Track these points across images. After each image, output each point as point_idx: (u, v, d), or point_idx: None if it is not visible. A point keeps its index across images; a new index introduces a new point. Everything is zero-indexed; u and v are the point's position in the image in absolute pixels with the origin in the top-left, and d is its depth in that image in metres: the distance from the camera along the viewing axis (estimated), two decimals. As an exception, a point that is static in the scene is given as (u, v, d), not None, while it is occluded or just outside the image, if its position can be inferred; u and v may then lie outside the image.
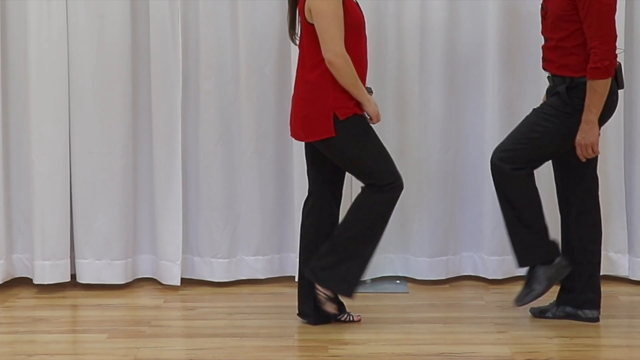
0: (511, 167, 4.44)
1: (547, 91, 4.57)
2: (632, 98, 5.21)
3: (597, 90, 4.29)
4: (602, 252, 5.16)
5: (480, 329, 4.53)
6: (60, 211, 5.21)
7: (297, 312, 4.61)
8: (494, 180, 4.53)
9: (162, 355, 4.23)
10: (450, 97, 5.25)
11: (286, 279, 5.34)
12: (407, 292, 5.17)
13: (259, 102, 5.22)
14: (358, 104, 4.35)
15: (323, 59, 4.25)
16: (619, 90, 4.46)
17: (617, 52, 4.35)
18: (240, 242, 5.32)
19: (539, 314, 4.68)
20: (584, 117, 4.34)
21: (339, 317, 4.60)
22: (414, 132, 5.25)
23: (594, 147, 4.36)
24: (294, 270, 5.25)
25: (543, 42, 4.53)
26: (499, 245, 5.22)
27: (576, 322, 4.57)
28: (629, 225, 5.28)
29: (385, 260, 5.36)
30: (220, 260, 5.29)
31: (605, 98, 4.31)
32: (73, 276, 5.30)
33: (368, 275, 5.29)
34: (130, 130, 5.23)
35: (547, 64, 4.51)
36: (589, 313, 4.59)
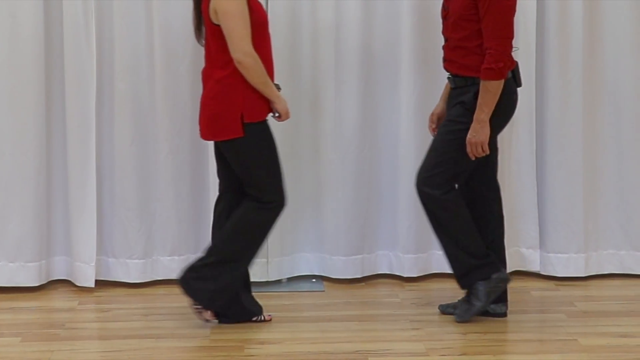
0: (440, 192, 4.47)
1: (451, 96, 4.59)
2: (544, 97, 5.30)
3: (489, 90, 4.35)
4: (514, 248, 5.29)
5: (396, 326, 4.57)
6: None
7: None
8: (424, 207, 4.54)
9: (76, 357, 4.20)
10: (365, 96, 5.28)
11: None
12: (323, 291, 5.19)
13: (174, 102, 5.20)
14: (268, 105, 4.37)
15: (232, 59, 4.26)
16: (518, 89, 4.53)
17: (512, 51, 4.42)
18: (156, 243, 5.29)
19: (448, 310, 4.73)
20: (475, 116, 4.39)
21: (253, 319, 4.61)
22: (329, 132, 5.27)
23: (483, 146, 4.40)
24: (210, 270, 5.26)
25: (443, 42, 4.58)
26: (414, 243, 5.28)
27: (488, 318, 4.64)
28: (540, 221, 5.37)
29: (301, 259, 5.39)
30: (136, 261, 5.26)
31: (497, 98, 4.36)
32: (-13, 278, 5.23)
33: (284, 274, 5.33)
34: (43, 131, 5.16)
35: (448, 64, 4.56)
36: (497, 308, 4.65)
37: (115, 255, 5.27)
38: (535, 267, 5.39)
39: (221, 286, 4.47)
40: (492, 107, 4.37)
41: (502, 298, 4.66)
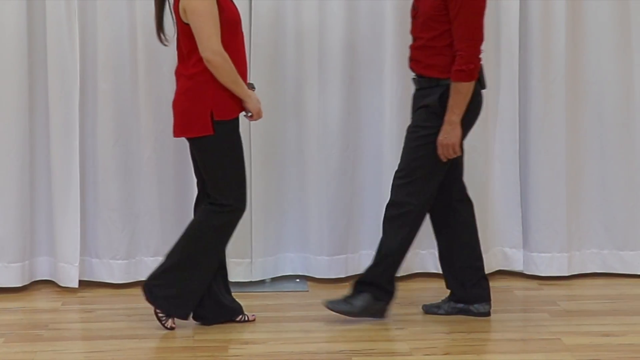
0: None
1: (415, 98, 4.59)
2: (527, 97, 5.31)
3: (461, 91, 4.36)
4: (498, 248, 5.30)
5: (379, 325, 4.57)
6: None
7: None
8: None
9: (60, 358, 4.18)
10: (348, 96, 5.28)
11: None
12: (307, 291, 5.19)
13: (157, 102, 5.19)
14: (239, 104, 4.38)
15: (202, 57, 4.27)
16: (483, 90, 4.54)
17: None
18: (139, 243, 5.28)
19: (431, 310, 4.74)
20: (446, 118, 4.39)
21: (236, 319, 4.61)
22: (312, 131, 5.27)
23: (455, 148, 4.41)
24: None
25: (411, 42, 4.58)
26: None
27: (471, 317, 4.65)
28: (523, 221, 5.39)
29: (284, 259, 5.39)
30: (119, 261, 5.26)
31: (468, 100, 4.38)
32: (-31, 280, 5.21)
33: (268, 274, 5.33)
34: (26, 131, 5.15)
35: (413, 63, 4.56)
36: (480, 308, 4.67)
37: (99, 256, 5.26)
38: (518, 267, 5.40)
39: (182, 292, 4.45)
40: (464, 109, 4.38)
41: (484, 297, 4.67)
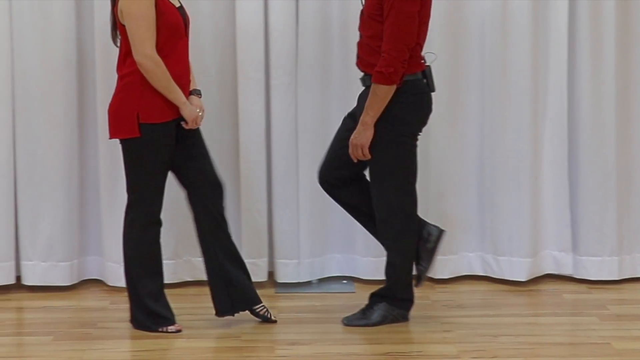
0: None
1: (361, 97, 4.52)
2: (576, 99, 5.26)
3: (377, 94, 4.30)
4: (547, 251, 5.27)
5: (427, 327, 4.55)
6: (5, 213, 5.16)
7: (214, 312, 4.59)
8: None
9: (107, 357, 4.21)
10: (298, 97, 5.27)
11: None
12: (354, 292, 5.18)
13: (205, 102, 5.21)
14: (173, 109, 4.35)
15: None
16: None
17: (428, 56, 4.41)
18: (186, 243, 5.28)
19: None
20: (361, 118, 4.35)
21: (256, 309, 4.60)
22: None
23: (363, 149, 4.37)
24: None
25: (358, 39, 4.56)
26: (446, 245, 5.22)
27: (520, 320, 4.64)
28: (573, 224, 5.33)
29: (331, 260, 5.38)
30: (167, 261, 5.24)
31: (385, 103, 4.30)
32: (18, 278, 5.25)
33: (315, 275, 5.32)
34: (75, 131, 5.19)
35: (358, 60, 4.53)
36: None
37: (147, 256, 5.28)
38: (567, 271, 5.35)
39: (136, 304, 4.53)
40: (379, 111, 4.31)
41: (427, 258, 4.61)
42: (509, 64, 5.18)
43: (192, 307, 4.93)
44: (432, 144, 5.22)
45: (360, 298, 5.00)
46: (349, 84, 5.20)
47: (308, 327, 4.57)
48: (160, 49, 4.28)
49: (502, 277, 5.29)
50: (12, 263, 5.21)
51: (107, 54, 5.07)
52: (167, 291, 5.17)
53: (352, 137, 4.37)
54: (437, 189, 5.26)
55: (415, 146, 4.47)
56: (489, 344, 4.31)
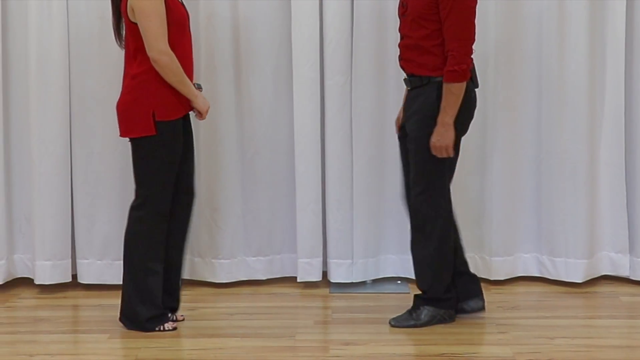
0: (429, 208, 4.46)
1: (407, 99, 4.54)
2: (633, 98, 5.21)
3: (453, 92, 4.29)
4: (603, 252, 5.22)
5: (482, 329, 4.53)
6: (61, 211, 5.21)
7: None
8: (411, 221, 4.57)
9: (162, 355, 4.23)
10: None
11: (287, 280, 5.36)
12: (408, 293, 5.16)
13: (260, 103, 5.23)
14: (184, 104, 4.40)
15: (148, 57, 4.29)
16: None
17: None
18: (241, 243, 5.31)
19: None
20: (440, 119, 4.33)
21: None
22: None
23: (448, 149, 4.35)
24: (293, 270, 5.28)
25: (399, 40, 4.52)
26: (501, 246, 5.24)
27: (576, 322, 4.60)
28: (630, 225, 5.27)
29: (386, 261, 5.37)
30: (222, 261, 5.29)
31: (460, 100, 4.31)
32: (74, 276, 5.30)
33: (369, 275, 5.31)
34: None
35: (404, 62, 4.51)
36: (472, 304, 4.63)
37: (201, 255, 5.30)
38: (624, 272, 5.29)
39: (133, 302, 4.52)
40: (456, 110, 4.32)
41: (476, 292, 4.62)
42: (566, 65, 5.13)
43: (247, 306, 4.95)
44: (488, 145, 5.20)
45: (415, 299, 5.00)
46: (403, 84, 5.19)
47: (362, 328, 4.56)
48: (170, 44, 4.32)
49: (558, 279, 5.25)
50: (69, 261, 5.27)
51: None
52: (222, 291, 5.24)
53: (433, 139, 4.35)
54: (493, 190, 5.23)
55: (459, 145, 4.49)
56: (545, 346, 4.28)
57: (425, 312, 4.55)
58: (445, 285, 4.55)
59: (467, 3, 4.26)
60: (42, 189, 5.16)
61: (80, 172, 5.21)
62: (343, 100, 5.18)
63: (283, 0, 5.18)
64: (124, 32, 4.49)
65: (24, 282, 5.33)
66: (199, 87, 4.52)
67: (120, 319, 4.57)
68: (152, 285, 4.48)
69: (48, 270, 5.20)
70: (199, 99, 4.43)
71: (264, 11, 5.18)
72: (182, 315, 4.69)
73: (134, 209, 4.48)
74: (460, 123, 4.39)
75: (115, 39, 4.55)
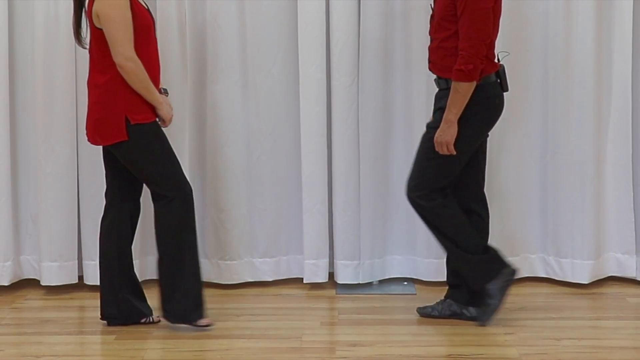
0: (427, 201, 4.48)
1: (435, 99, 4.56)
2: (639, 98, 5.20)
3: (459, 91, 4.30)
4: (610, 254, 5.21)
5: (488, 330, 4.52)
6: (68, 212, 5.21)
7: (99, 316, 4.63)
8: (419, 216, 4.57)
9: (169, 356, 4.24)
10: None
11: (294, 281, 5.35)
12: (415, 294, 5.16)
13: (267, 103, 5.23)
14: (152, 108, 4.39)
15: (113, 63, 4.29)
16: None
17: (501, 55, 4.44)
18: (248, 244, 5.31)
19: (426, 311, 4.70)
20: (444, 116, 4.35)
21: (142, 321, 4.62)
22: (420, 133, 5.22)
23: (448, 146, 4.36)
24: (300, 271, 5.28)
25: (429, 43, 4.54)
26: (507, 247, 5.21)
27: (583, 323, 4.59)
28: (636, 226, 5.27)
29: (392, 261, 5.36)
30: (228, 262, 5.29)
31: (466, 100, 4.31)
32: (80, 277, 5.30)
33: (375, 276, 5.31)
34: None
35: (431, 65, 4.53)
36: (473, 312, 4.60)
37: (208, 256, 5.30)
38: (631, 273, 5.28)
39: (187, 294, 4.52)
40: (461, 109, 4.32)
41: (478, 302, 4.60)
42: (572, 65, 5.13)
43: (253, 307, 4.95)
44: (494, 145, 5.18)
45: (421, 300, 4.99)
46: (410, 85, 5.20)
47: (369, 329, 4.56)
48: (135, 50, 4.31)
49: (565, 280, 5.24)
50: (75, 262, 5.27)
51: (171, 56, 5.11)
52: (228, 292, 5.24)
53: (436, 135, 4.38)
54: (498, 190, 5.22)
55: (473, 148, 4.48)
56: (552, 347, 4.27)
57: (492, 289, 4.50)
58: (477, 263, 4.53)
59: (480, 4, 4.26)
60: (48, 189, 5.16)
61: (86, 172, 5.21)
62: (350, 101, 5.17)
63: (289, 0, 5.18)
64: (84, 32, 4.48)
65: (31, 284, 5.34)
66: (165, 92, 4.51)
67: (165, 316, 4.57)
68: (189, 279, 4.51)
69: (54, 271, 5.21)
70: (163, 106, 4.42)
71: (271, 11, 5.18)
72: (157, 317, 4.68)
73: (165, 210, 4.46)
74: (480, 125, 4.41)
75: (75, 38, 4.54)
